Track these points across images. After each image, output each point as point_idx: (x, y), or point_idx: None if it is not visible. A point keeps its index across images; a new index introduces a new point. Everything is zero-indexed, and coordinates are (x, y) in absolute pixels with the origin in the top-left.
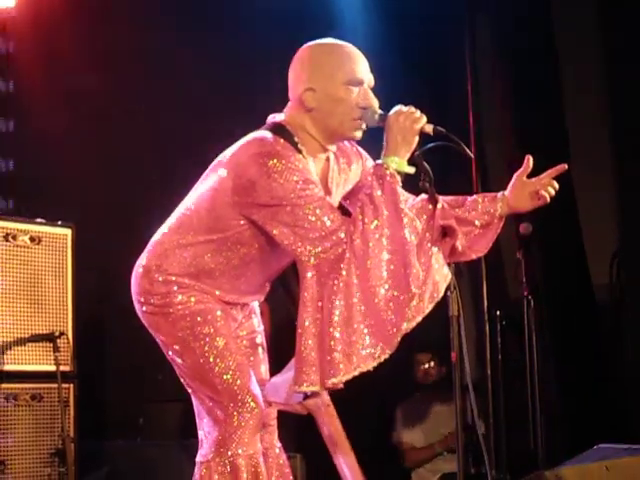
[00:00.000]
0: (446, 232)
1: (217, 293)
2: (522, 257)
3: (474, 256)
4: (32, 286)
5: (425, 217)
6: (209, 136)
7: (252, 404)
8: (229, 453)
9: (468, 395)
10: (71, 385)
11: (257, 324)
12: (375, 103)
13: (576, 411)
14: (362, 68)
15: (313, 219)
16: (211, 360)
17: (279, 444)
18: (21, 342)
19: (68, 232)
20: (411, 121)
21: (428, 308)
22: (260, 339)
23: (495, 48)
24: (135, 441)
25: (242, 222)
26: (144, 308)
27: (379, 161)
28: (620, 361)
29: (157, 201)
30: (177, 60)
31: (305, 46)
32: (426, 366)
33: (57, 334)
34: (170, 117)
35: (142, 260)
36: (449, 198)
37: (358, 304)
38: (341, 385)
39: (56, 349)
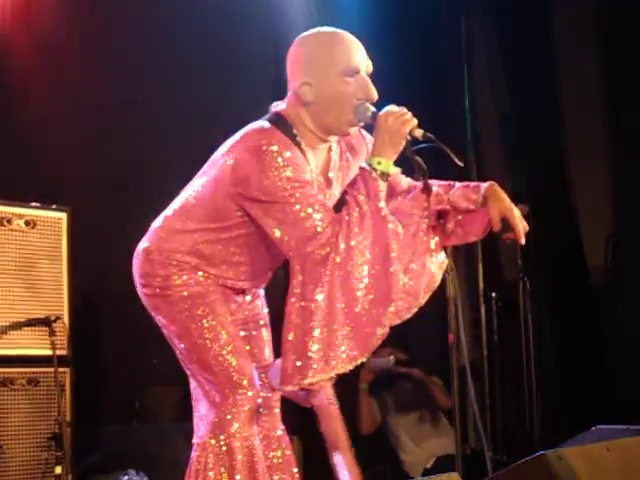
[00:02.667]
0: (440, 215)
1: (218, 278)
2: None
3: (472, 239)
4: (27, 270)
5: (420, 207)
6: (209, 115)
7: (248, 387)
8: (224, 435)
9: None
10: (67, 369)
11: (261, 307)
12: (373, 93)
13: (572, 392)
14: (357, 55)
15: (303, 218)
16: (208, 342)
17: (282, 427)
18: (17, 326)
19: (63, 216)
20: (400, 123)
21: (424, 299)
22: (264, 321)
23: (491, 45)
24: (131, 425)
25: (240, 213)
26: (145, 290)
27: (364, 164)
28: (615, 342)
29: (154, 185)
30: (174, 29)
31: (300, 37)
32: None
33: (53, 318)
34: (169, 95)
35: (143, 243)
36: (439, 183)
37: (339, 306)
38: (317, 386)
39: (52, 333)
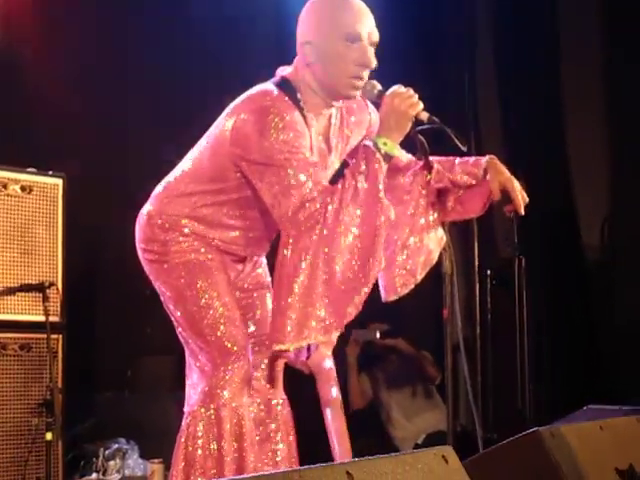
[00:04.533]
0: (440, 192)
1: (217, 243)
2: (514, 217)
3: (470, 216)
4: (22, 236)
5: (420, 184)
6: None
7: (240, 357)
8: (214, 404)
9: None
10: (60, 336)
11: (264, 275)
12: (372, 61)
13: (565, 372)
14: (363, 23)
15: (295, 184)
16: (203, 310)
17: (283, 396)
18: (10, 291)
19: (59, 182)
20: (407, 105)
21: (421, 275)
22: (268, 290)
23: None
24: (123, 393)
25: (238, 175)
26: (145, 255)
27: (368, 142)
28: (609, 322)
29: (152, 153)
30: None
31: (311, 1)
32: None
33: (47, 284)
34: (168, 60)
35: (145, 208)
36: (440, 159)
37: (320, 276)
38: (289, 353)
39: (46, 299)
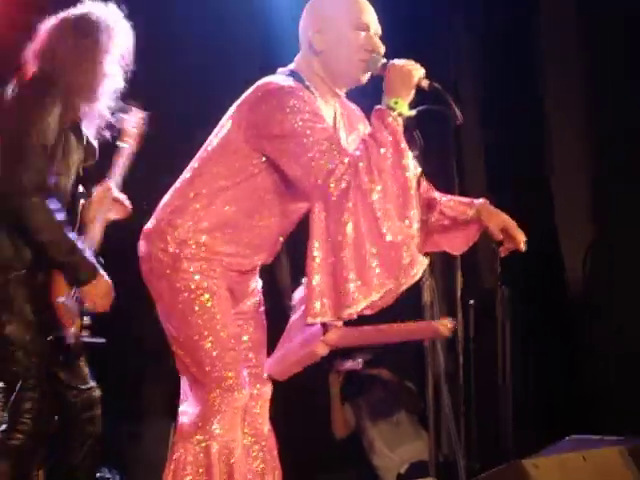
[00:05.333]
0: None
1: (228, 252)
2: (497, 247)
3: (446, 249)
4: None
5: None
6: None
7: (236, 389)
8: (205, 436)
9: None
10: None
11: (259, 291)
12: (382, 47)
13: (547, 402)
14: (368, 14)
15: (322, 152)
16: (204, 338)
17: (269, 426)
18: None
19: None
20: (410, 67)
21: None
22: (262, 310)
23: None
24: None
25: (255, 161)
26: (151, 271)
27: (379, 106)
28: (591, 353)
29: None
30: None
31: None
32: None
33: None
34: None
35: (152, 222)
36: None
37: (365, 236)
38: (355, 315)
39: None
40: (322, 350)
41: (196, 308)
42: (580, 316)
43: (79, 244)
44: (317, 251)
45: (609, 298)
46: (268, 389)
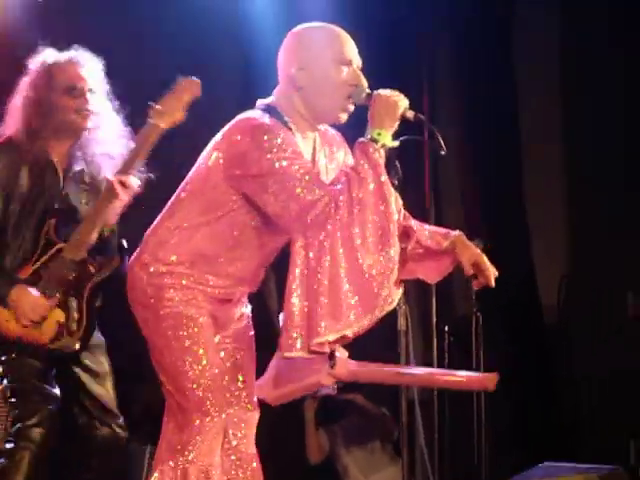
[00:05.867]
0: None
1: (211, 283)
2: (472, 274)
3: (421, 277)
4: None
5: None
6: None
7: (215, 416)
8: (182, 459)
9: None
10: None
11: (249, 325)
12: (365, 82)
13: (521, 428)
14: (350, 49)
15: (301, 187)
16: (187, 364)
17: (254, 450)
18: None
19: None
20: (395, 98)
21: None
22: (252, 339)
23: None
24: None
25: (234, 197)
26: (136, 300)
27: (362, 139)
28: (566, 380)
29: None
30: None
31: (294, 29)
32: None
33: None
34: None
35: (136, 255)
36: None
37: (344, 270)
38: (326, 348)
39: None
40: (328, 381)
41: (179, 334)
42: (556, 343)
43: None
44: (295, 284)
45: (585, 326)
46: (256, 413)
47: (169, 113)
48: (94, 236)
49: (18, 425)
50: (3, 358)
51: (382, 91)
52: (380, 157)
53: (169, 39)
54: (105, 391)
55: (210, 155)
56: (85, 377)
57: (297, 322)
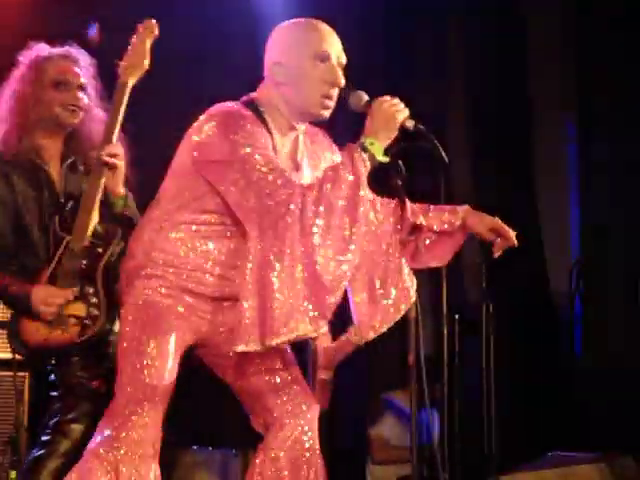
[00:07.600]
0: (411, 232)
1: (190, 286)
2: (483, 262)
3: (433, 264)
4: None
5: (393, 216)
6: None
7: (147, 413)
8: (113, 453)
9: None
10: (26, 374)
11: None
12: (341, 79)
13: (531, 418)
14: (331, 44)
15: (261, 175)
16: (140, 353)
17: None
18: None
19: None
20: (394, 110)
21: (400, 313)
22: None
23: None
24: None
25: (204, 188)
26: (124, 299)
27: (353, 144)
28: (576, 369)
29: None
30: None
31: (278, 25)
32: None
33: None
34: None
35: (126, 258)
36: (415, 205)
37: (300, 267)
38: (277, 345)
39: None
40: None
41: (139, 323)
42: (566, 331)
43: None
44: (251, 277)
45: (595, 313)
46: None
47: (135, 65)
48: (94, 217)
49: (56, 419)
50: (49, 367)
51: (381, 100)
52: (365, 167)
53: (184, 39)
54: None
55: (183, 148)
56: None
57: (252, 316)
